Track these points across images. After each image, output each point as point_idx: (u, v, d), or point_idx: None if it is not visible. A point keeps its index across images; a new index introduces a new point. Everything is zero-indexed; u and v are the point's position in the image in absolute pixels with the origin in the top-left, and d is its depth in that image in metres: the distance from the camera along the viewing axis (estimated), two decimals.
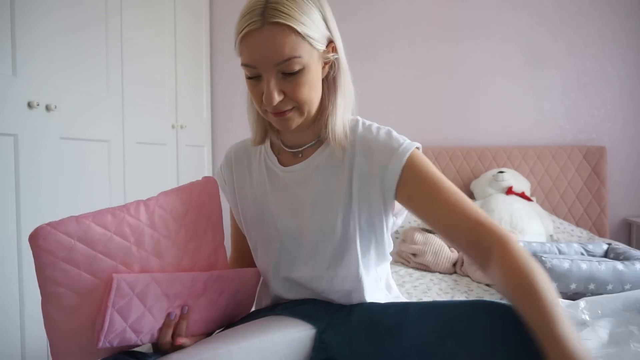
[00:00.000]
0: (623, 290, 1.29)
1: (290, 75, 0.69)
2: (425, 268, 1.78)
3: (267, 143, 0.87)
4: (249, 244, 0.90)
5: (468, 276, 1.67)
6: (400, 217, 0.84)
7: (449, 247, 1.81)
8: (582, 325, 1.00)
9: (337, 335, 0.75)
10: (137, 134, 1.83)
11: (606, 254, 1.64)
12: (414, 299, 1.39)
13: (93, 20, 1.56)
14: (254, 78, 0.71)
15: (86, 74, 1.51)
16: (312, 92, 0.72)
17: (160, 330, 0.69)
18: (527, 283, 0.58)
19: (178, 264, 0.72)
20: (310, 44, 0.69)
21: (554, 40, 2.49)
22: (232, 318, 0.85)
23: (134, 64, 1.80)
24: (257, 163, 0.87)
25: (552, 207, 2.43)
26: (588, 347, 0.89)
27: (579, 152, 2.42)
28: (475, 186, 2.37)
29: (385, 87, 2.61)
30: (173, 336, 0.70)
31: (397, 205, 0.80)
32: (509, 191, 2.17)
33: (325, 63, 0.75)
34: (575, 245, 1.66)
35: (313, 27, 0.68)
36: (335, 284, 0.82)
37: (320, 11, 0.71)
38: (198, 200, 0.77)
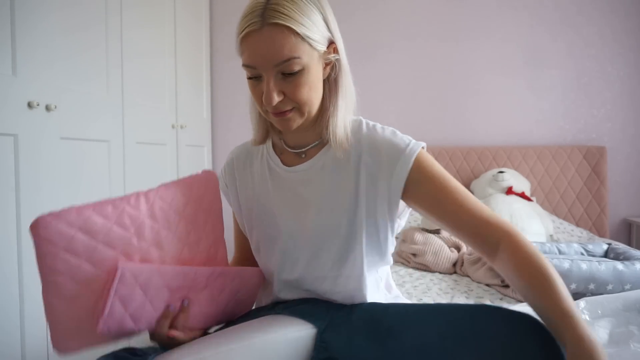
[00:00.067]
0: (623, 290, 1.29)
1: (289, 75, 0.69)
2: (425, 268, 1.78)
3: (269, 144, 0.87)
4: (251, 246, 0.90)
5: (468, 276, 1.67)
6: (403, 218, 0.84)
7: (449, 247, 1.81)
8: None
9: (338, 335, 0.75)
10: (137, 134, 1.83)
11: (606, 254, 1.64)
12: (414, 299, 1.39)
13: (93, 20, 1.56)
14: (255, 78, 0.71)
15: (86, 74, 1.51)
16: (312, 93, 0.72)
17: (159, 320, 0.70)
18: (540, 270, 0.62)
19: (178, 255, 0.73)
20: (310, 45, 0.69)
21: (554, 40, 2.49)
22: (232, 316, 0.85)
23: (134, 64, 1.80)
24: (258, 164, 0.87)
25: (552, 207, 2.43)
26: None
27: (579, 152, 2.42)
28: (475, 186, 2.37)
29: (384, 87, 2.61)
30: (170, 328, 0.71)
31: (400, 206, 0.80)
32: (509, 191, 2.18)
33: (327, 64, 0.75)
34: (575, 245, 1.66)
35: (313, 28, 0.69)
36: (339, 284, 0.81)
37: (321, 12, 0.71)
38: (198, 192, 0.77)
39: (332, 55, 0.74)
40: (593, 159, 2.40)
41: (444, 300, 1.40)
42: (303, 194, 0.81)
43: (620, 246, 1.65)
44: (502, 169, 2.29)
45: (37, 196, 1.27)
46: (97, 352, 0.67)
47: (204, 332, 0.79)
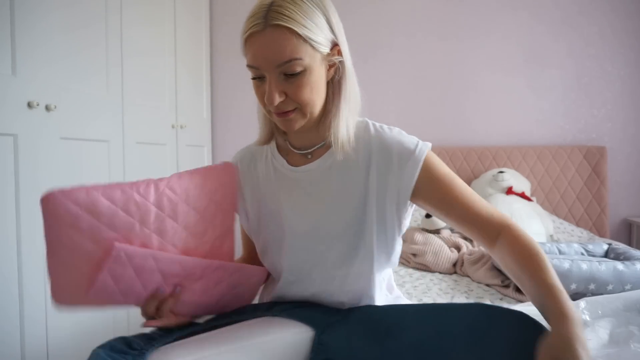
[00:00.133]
0: (623, 290, 1.29)
1: (291, 76, 0.70)
2: (425, 268, 1.77)
3: (273, 145, 0.87)
4: (257, 249, 0.90)
5: (468, 276, 1.67)
6: (408, 218, 0.85)
7: (449, 248, 1.81)
8: (582, 325, 1.00)
9: (336, 336, 0.75)
10: (137, 134, 1.83)
11: (606, 254, 1.64)
12: (414, 299, 1.39)
13: (93, 19, 1.56)
14: (259, 79, 0.73)
15: (86, 73, 1.51)
16: (313, 94, 0.73)
17: (147, 299, 0.73)
18: (533, 251, 0.68)
19: (181, 244, 0.75)
20: (312, 47, 0.69)
21: (555, 40, 2.49)
22: (225, 308, 0.86)
23: (134, 63, 1.80)
24: (263, 166, 0.87)
25: (552, 207, 2.43)
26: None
27: (579, 152, 2.42)
28: (475, 186, 2.37)
29: (384, 87, 2.61)
30: (158, 309, 0.74)
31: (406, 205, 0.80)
32: (509, 191, 2.17)
33: (330, 66, 0.75)
34: (576, 245, 1.66)
35: (316, 30, 0.69)
36: (348, 283, 0.81)
37: (325, 14, 0.71)
38: (212, 184, 0.79)
39: (336, 57, 0.75)
40: (593, 159, 2.40)
41: (444, 300, 1.40)
42: (311, 194, 0.81)
43: (621, 246, 1.65)
44: (502, 169, 2.29)
45: (37, 196, 1.26)
46: (93, 343, 0.69)
47: (192, 320, 0.81)
